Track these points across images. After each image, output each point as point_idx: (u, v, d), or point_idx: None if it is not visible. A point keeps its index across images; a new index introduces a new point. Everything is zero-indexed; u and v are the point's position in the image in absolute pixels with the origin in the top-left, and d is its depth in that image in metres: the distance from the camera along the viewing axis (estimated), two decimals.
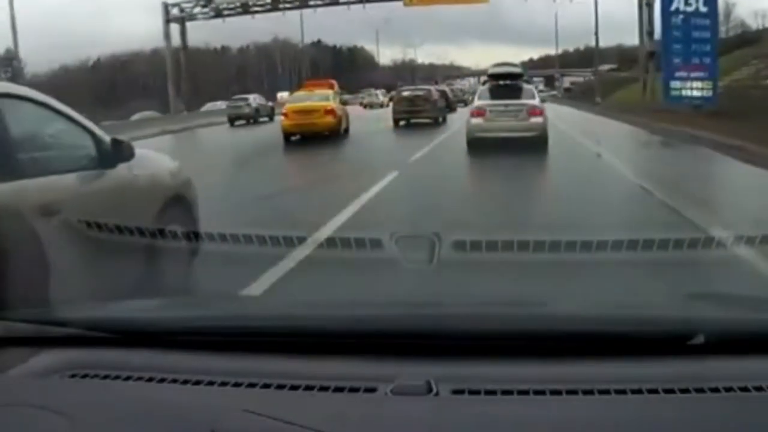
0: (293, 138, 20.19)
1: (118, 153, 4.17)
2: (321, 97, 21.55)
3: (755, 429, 1.27)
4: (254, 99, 36.36)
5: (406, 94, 26.45)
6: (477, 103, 15.56)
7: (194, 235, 4.63)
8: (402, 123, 25.06)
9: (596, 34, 44.11)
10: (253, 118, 33.96)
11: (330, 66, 76.00)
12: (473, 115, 15.09)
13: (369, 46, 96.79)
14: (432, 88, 30.22)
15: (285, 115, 21.00)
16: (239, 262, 4.69)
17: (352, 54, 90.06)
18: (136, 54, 78.65)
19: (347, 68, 73.36)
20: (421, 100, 25.39)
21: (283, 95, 53.81)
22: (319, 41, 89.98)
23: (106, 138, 4.21)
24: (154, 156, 5.25)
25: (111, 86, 69.43)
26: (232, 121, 33.70)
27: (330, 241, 4.83)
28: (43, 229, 3.59)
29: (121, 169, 4.21)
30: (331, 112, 20.75)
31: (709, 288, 3.70)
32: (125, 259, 4.18)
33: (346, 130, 22.44)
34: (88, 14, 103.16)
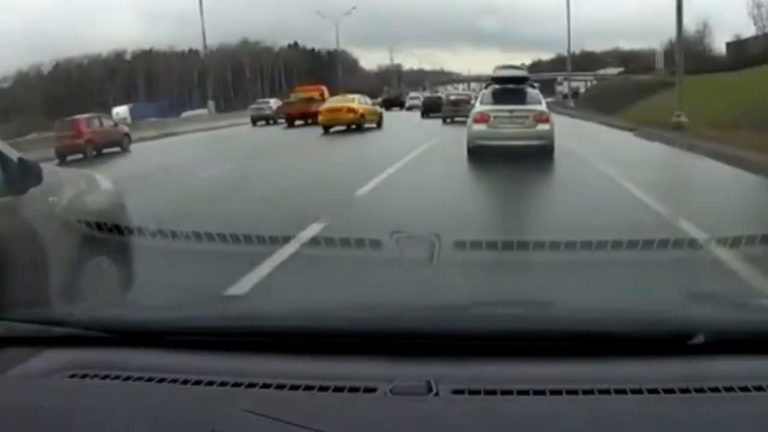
0: (330, 130, 26.99)
1: (27, 176, 3.43)
2: (347, 100, 29.71)
3: (755, 429, 1.27)
4: (274, 102, 41.21)
5: (452, 98, 33.73)
6: (479, 108, 14.42)
7: (128, 272, 4.14)
8: (448, 120, 30.14)
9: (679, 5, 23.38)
10: (272, 119, 38.25)
11: (308, 70, 71.51)
12: (476, 120, 14.01)
13: (351, 49, 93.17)
14: (471, 93, 35.36)
15: (320, 112, 28.60)
16: (233, 260, 4.71)
17: (333, 57, 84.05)
18: (96, 57, 74.85)
19: (328, 72, 67.97)
20: (463, 103, 30.47)
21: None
22: (295, 44, 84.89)
23: (14, 157, 3.46)
24: (78, 177, 4.59)
25: (67, 92, 64.71)
26: (254, 121, 38.57)
27: (329, 241, 4.83)
28: (43, 229, 3.59)
29: (34, 194, 3.49)
30: (352, 110, 28.14)
31: (708, 288, 3.70)
32: (125, 259, 4.18)
33: (379, 124, 29.95)
34: (46, 16, 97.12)
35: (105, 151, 23.35)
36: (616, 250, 3.85)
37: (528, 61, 79.71)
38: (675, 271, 4.15)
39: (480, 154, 13.55)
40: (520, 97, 14.38)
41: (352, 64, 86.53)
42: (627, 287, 4.12)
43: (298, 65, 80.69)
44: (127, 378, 1.50)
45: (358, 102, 29.62)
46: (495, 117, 13.73)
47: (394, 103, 50.47)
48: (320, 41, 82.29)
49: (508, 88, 14.86)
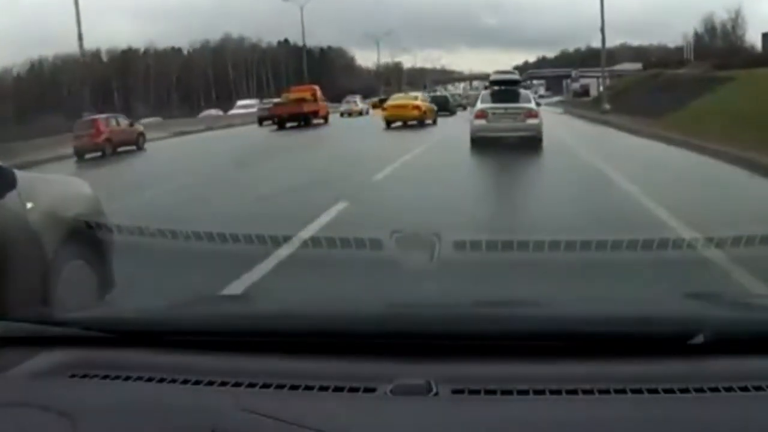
0: (392, 125, 28.46)
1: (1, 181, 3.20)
2: (411, 98, 31.82)
3: (755, 429, 1.27)
4: None
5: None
6: (480, 106, 17.57)
7: (106, 277, 4.07)
8: None
9: None
10: None
11: (299, 68, 65.12)
12: (477, 116, 17.19)
13: (348, 47, 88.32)
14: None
15: (385, 108, 30.40)
16: (230, 259, 4.71)
17: (327, 56, 79.79)
18: (69, 57, 68.44)
19: (322, 71, 64.34)
20: None
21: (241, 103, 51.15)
22: (286, 41, 79.05)
23: None
24: (55, 182, 4.46)
25: (40, 95, 61.09)
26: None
27: (329, 241, 4.83)
28: (44, 229, 3.59)
29: (10, 200, 3.35)
30: (416, 107, 29.75)
31: (708, 288, 3.70)
32: (126, 259, 4.18)
33: (434, 121, 31.16)
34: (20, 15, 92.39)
35: (120, 149, 24.49)
36: (615, 250, 3.85)
37: (532, 59, 78.18)
38: (674, 271, 4.15)
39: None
40: (513, 97, 17.66)
41: (348, 62, 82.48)
42: (627, 287, 4.11)
43: (287, 63, 75.82)
44: (127, 378, 1.50)
45: (421, 100, 31.73)
46: (493, 113, 16.92)
47: None
48: (314, 38, 78.59)
49: (504, 90, 18.22)
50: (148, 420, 1.33)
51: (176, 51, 76.58)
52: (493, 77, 20.11)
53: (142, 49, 73.36)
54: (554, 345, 1.53)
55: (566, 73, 64.07)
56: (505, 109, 17.07)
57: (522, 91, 18.78)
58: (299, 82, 44.98)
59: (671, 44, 63.19)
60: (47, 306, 3.24)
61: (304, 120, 33.94)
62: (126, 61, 74.92)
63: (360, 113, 43.20)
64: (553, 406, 1.33)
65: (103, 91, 65.57)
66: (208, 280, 4.83)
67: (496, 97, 17.84)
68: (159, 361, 1.58)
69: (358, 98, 48.28)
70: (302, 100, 35.10)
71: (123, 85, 72.06)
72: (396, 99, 32.58)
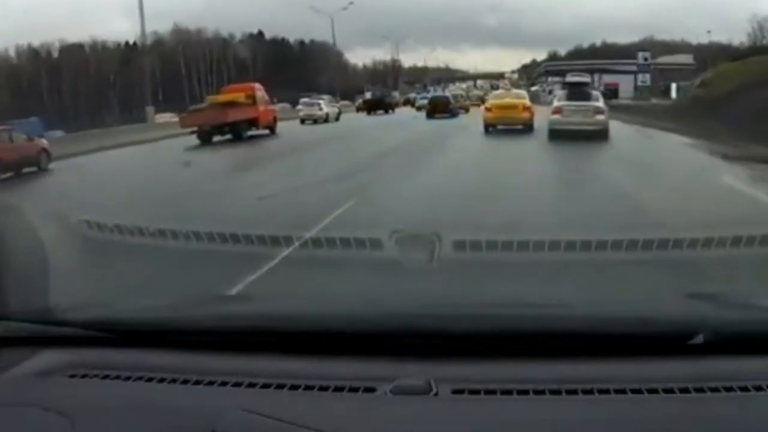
0: (490, 129, 23.82)
1: None
2: (517, 96, 26.18)
3: (755, 429, 1.27)
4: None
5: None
6: (556, 104, 21.00)
7: None
8: None
9: None
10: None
11: (273, 64, 55.75)
12: (554, 112, 20.44)
13: (340, 42, 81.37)
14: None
15: (488, 109, 24.63)
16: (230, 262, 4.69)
17: (306, 50, 68.00)
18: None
19: (299, 67, 56.54)
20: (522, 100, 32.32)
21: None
22: (260, 33, 66.31)
23: None
24: None
25: None
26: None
27: (329, 241, 4.83)
28: (44, 228, 3.59)
29: None
30: (527, 108, 24.46)
31: (708, 288, 3.69)
32: (125, 259, 4.18)
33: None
34: None
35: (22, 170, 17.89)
36: (615, 250, 3.85)
37: (543, 56, 75.63)
38: (675, 271, 4.14)
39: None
40: (585, 97, 20.70)
41: (336, 58, 74.07)
42: (627, 287, 4.11)
43: (259, 58, 67.50)
44: (127, 378, 1.50)
45: (527, 99, 25.71)
46: (566, 110, 20.01)
47: (379, 106, 39.62)
48: (312, 35, 73.62)
49: (576, 90, 21.56)
50: (148, 420, 1.33)
51: (130, 47, 68.07)
52: (567, 79, 24.65)
53: (87, 47, 65.55)
54: (554, 345, 1.53)
55: (591, 66, 57.34)
56: (577, 106, 20.05)
57: (593, 91, 22.07)
58: (246, 79, 33.14)
59: (693, 41, 60.50)
60: (47, 306, 3.24)
61: (232, 132, 24.07)
62: (61, 59, 65.84)
63: (326, 119, 32.89)
64: (553, 406, 1.33)
65: (33, 94, 56.98)
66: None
67: (569, 96, 21.02)
68: (159, 361, 1.58)
69: (323, 100, 36.65)
70: (230, 105, 24.83)
71: (57, 87, 63.32)
72: (498, 97, 26.07)
